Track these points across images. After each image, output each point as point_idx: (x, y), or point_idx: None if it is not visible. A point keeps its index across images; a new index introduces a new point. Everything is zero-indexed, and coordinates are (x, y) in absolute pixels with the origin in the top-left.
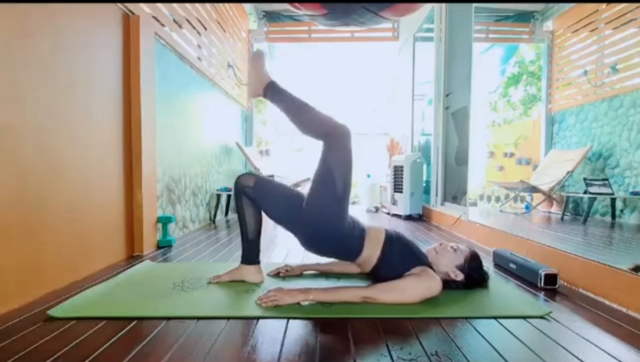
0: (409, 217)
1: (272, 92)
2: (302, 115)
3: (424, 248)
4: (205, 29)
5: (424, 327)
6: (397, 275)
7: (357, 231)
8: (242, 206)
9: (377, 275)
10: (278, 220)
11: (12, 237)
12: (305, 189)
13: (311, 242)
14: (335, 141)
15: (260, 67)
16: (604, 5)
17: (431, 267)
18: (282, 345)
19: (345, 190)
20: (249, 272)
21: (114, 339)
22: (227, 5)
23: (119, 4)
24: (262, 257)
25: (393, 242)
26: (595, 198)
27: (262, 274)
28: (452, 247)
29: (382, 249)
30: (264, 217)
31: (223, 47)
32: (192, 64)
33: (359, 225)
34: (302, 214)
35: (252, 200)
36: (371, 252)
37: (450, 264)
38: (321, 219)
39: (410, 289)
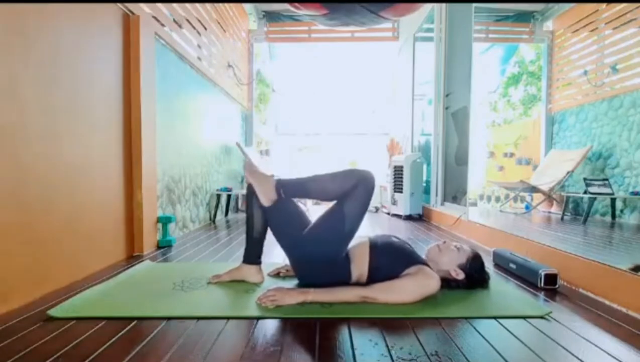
0: (409, 217)
1: (285, 190)
2: (323, 189)
3: (424, 248)
4: (205, 29)
5: (424, 327)
6: (393, 277)
7: (343, 257)
8: (251, 206)
9: (374, 282)
10: (279, 240)
11: (12, 237)
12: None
13: (302, 267)
14: (357, 192)
15: (258, 174)
16: (604, 5)
17: (427, 265)
18: (282, 345)
19: (352, 232)
20: (249, 272)
21: (114, 339)
22: (227, 5)
23: (119, 4)
24: (263, 257)
25: (378, 249)
26: (595, 198)
27: (263, 274)
28: (455, 246)
29: (370, 261)
30: None
31: (223, 47)
32: (192, 64)
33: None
34: (303, 239)
35: (264, 211)
36: (360, 269)
37: (452, 263)
38: (318, 250)
39: (408, 288)
